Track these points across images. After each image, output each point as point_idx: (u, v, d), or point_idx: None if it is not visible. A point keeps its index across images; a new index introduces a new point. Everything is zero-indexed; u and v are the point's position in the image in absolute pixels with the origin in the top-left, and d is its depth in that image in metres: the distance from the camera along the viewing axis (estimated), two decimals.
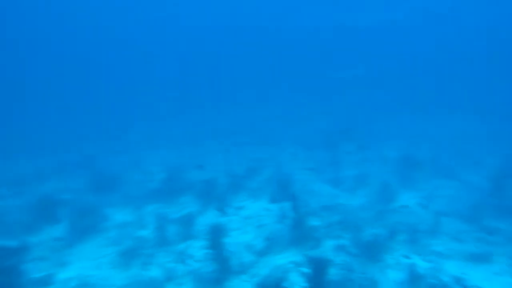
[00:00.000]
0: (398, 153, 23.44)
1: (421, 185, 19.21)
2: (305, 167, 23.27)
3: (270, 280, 9.61)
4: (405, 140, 27.32)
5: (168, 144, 31.47)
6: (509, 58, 48.98)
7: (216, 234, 11.71)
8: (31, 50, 73.52)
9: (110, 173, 21.16)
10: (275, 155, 26.39)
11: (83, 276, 11.75)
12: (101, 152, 28.89)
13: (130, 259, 12.57)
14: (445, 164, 20.95)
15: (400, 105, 39.13)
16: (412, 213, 15.89)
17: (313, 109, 41.69)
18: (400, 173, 20.33)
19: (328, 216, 15.43)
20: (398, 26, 65.69)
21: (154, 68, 70.23)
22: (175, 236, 13.81)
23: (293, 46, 66.62)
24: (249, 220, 15.23)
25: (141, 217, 15.84)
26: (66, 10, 69.79)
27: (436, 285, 10.17)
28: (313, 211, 16.16)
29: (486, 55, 52.76)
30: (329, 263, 11.40)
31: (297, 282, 10.48)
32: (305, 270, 10.78)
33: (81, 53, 73.98)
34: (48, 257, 13.11)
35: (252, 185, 19.99)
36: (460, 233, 13.61)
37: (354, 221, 14.57)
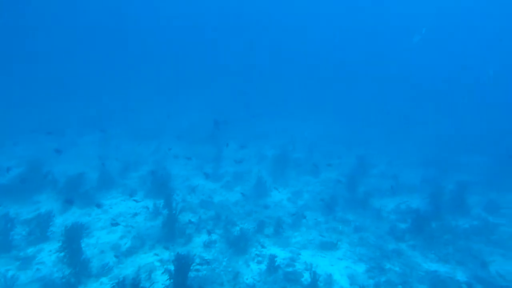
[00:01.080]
0: (275, 151, 25.16)
1: (292, 181, 20.92)
2: (185, 160, 23.05)
3: (130, 281, 9.12)
4: (282, 140, 29.49)
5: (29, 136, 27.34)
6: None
7: (75, 235, 10.61)
8: None
9: None
10: (155, 149, 25.47)
11: None
12: None
13: None
14: (314, 162, 23.26)
15: (278, 107, 42.02)
16: (281, 208, 17.18)
17: (194, 102, 41.77)
18: (275, 171, 21.81)
19: (204, 212, 15.59)
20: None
21: None
22: (22, 240, 12.05)
23: None
24: (119, 219, 14.30)
25: None
26: None
27: (291, 273, 11.17)
28: (190, 207, 16.11)
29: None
30: (196, 259, 11.52)
31: (160, 280, 10.26)
32: (171, 267, 10.63)
33: None
34: None
35: (127, 181, 18.87)
36: (317, 225, 15.25)
37: (227, 216, 15.02)
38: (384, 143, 27.96)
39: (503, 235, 13.69)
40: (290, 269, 11.42)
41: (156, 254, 11.77)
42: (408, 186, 19.65)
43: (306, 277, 10.97)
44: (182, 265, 9.61)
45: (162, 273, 10.68)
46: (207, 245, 12.58)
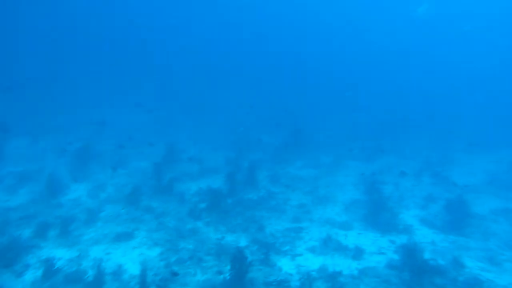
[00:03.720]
0: (78, 145, 22.61)
1: (95, 175, 19.28)
2: None
3: None
4: (85, 132, 26.84)
5: None
6: None
7: None
8: None
9: None
10: None
11: None
12: None
13: None
14: (119, 154, 22.06)
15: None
16: (78, 205, 15.57)
17: None
18: (76, 166, 19.64)
19: None
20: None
21: None
22: None
23: None
24: None
25: None
26: None
27: (73, 273, 10.18)
28: None
29: None
30: None
31: None
32: None
33: None
34: None
35: None
36: (117, 217, 14.51)
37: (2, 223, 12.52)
38: (194, 130, 29.14)
39: (279, 202, 16.33)
40: (73, 269, 10.40)
41: None
42: (212, 168, 21.05)
43: (91, 274, 10.22)
44: None
45: None
46: None
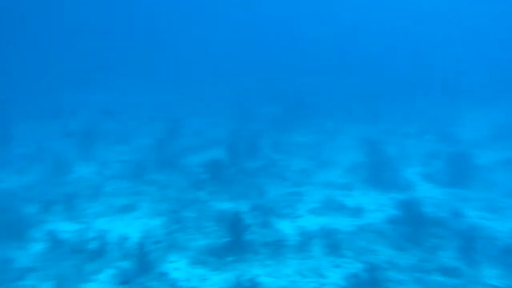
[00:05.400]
0: (82, 126, 22.87)
1: (100, 154, 19.58)
2: None
3: None
4: (92, 112, 27.08)
5: None
6: None
7: None
8: None
9: None
10: None
11: None
12: None
13: None
14: (124, 133, 22.30)
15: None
16: (83, 182, 15.90)
17: None
18: (81, 145, 19.94)
19: None
20: None
21: None
22: None
23: None
24: None
25: None
26: None
27: (78, 243, 10.51)
28: None
29: None
30: None
31: None
32: None
33: None
34: None
35: None
36: (121, 191, 14.81)
37: (5, 203, 12.90)
38: (198, 104, 29.15)
39: (281, 168, 16.37)
40: (78, 240, 10.73)
41: None
42: (215, 140, 21.13)
43: (95, 244, 10.53)
44: None
45: None
46: None
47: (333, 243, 9.76)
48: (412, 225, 9.82)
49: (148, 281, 8.84)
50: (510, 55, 36.43)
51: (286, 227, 11.30)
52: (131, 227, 11.77)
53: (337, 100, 27.05)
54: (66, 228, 11.46)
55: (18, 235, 10.77)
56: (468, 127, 19.54)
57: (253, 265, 9.24)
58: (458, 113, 21.50)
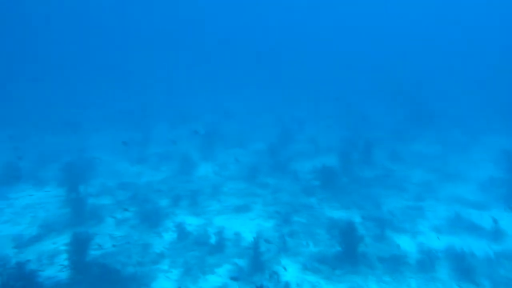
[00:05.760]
0: (205, 128, 25.25)
1: (219, 155, 21.26)
2: (115, 146, 22.48)
3: (20, 272, 8.90)
4: (214, 116, 29.62)
5: None
6: None
7: None
8: None
9: None
10: (79, 140, 24.49)
11: None
12: None
13: None
14: (240, 136, 23.75)
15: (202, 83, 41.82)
16: (205, 181, 17.49)
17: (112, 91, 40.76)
18: (204, 147, 21.99)
19: (122, 194, 15.46)
20: None
21: None
22: None
23: None
24: (26, 210, 13.75)
25: None
26: None
27: (201, 236, 11.58)
28: (108, 191, 15.85)
29: None
30: (104, 237, 11.51)
31: (59, 262, 10.17)
32: (73, 249, 10.52)
33: None
34: None
35: (43, 173, 18.04)
36: (237, 192, 15.78)
37: (145, 195, 15.04)
38: (313, 109, 29.20)
39: (398, 179, 15.14)
40: (200, 233, 11.82)
41: (62, 240, 11.56)
42: (327, 147, 20.83)
43: (215, 239, 11.43)
44: (82, 245, 9.61)
45: (64, 256, 10.55)
46: (119, 224, 12.58)
47: (464, 268, 8.55)
48: None
49: (260, 281, 9.18)
50: None
51: (405, 243, 10.39)
52: (246, 227, 12.42)
53: (469, 106, 23.79)
54: (191, 222, 12.74)
55: (155, 223, 12.42)
56: None
57: (368, 279, 8.75)
58: None
